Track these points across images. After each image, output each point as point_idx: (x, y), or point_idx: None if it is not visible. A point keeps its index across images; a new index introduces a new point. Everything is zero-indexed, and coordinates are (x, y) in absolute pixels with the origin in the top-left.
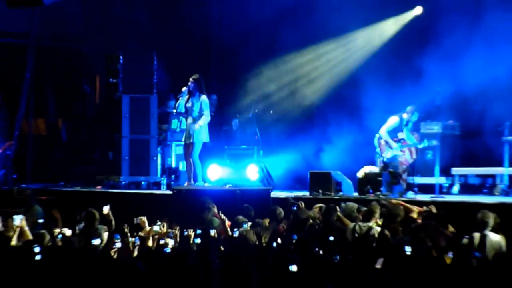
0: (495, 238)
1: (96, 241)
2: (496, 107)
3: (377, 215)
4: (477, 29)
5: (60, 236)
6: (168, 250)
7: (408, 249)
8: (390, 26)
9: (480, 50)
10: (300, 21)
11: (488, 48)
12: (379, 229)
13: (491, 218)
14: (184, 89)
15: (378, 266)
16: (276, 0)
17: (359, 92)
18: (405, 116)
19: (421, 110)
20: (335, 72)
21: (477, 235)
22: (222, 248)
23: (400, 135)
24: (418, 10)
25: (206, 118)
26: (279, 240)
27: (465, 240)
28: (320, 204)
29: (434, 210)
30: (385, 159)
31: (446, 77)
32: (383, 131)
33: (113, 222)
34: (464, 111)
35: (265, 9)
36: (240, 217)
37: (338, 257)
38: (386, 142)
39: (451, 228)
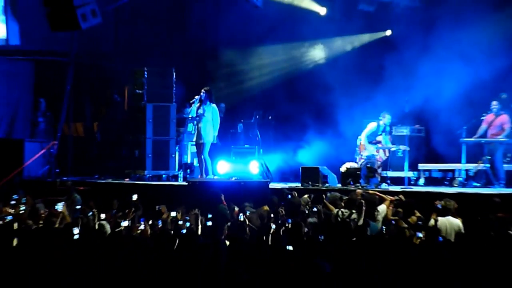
0: (455, 221)
1: (125, 223)
2: (455, 114)
3: (357, 202)
4: (436, 48)
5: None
6: (184, 231)
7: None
8: (365, 39)
9: (440, 66)
10: (287, 35)
11: (446, 64)
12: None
13: (452, 205)
14: (196, 97)
15: None
16: (269, 16)
17: (341, 101)
18: (381, 122)
19: (393, 116)
20: (319, 84)
21: (441, 219)
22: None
23: (379, 138)
24: (388, 32)
25: (217, 127)
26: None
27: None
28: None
29: (403, 198)
30: (363, 157)
31: (413, 89)
32: (363, 136)
33: (141, 208)
34: (428, 117)
35: (261, 27)
36: (247, 204)
37: (322, 237)
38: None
39: (417, 213)
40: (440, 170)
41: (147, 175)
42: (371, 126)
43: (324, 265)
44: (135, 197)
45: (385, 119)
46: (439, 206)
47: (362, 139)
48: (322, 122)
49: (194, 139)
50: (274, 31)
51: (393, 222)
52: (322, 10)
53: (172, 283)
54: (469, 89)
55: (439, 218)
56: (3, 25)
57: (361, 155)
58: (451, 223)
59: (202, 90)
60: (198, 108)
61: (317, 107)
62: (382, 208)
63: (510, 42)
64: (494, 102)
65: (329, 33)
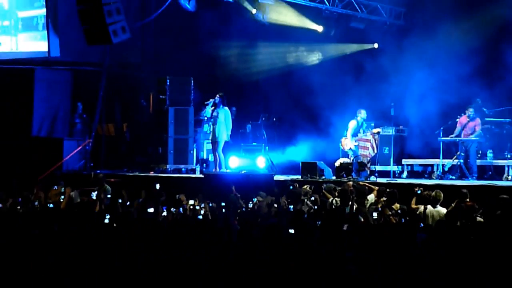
0: (442, 210)
1: (151, 210)
2: (434, 117)
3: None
4: (417, 59)
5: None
6: (200, 217)
7: (375, 215)
8: (354, 48)
9: (420, 74)
10: (288, 46)
11: (425, 73)
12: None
13: (441, 196)
14: (211, 100)
15: (344, 228)
16: (272, 30)
17: (335, 104)
18: (359, 118)
19: (379, 117)
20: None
21: (430, 208)
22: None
23: (360, 135)
24: (375, 45)
25: (229, 127)
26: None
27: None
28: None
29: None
30: (348, 151)
31: (398, 94)
32: (349, 135)
33: (164, 196)
34: (411, 119)
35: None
36: (261, 193)
37: (319, 222)
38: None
39: (397, 205)
40: (420, 165)
41: (169, 169)
42: (352, 124)
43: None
44: (157, 186)
45: (361, 114)
46: (418, 192)
47: (349, 137)
48: (318, 123)
49: (210, 137)
50: (276, 42)
51: (379, 209)
52: (319, 28)
53: (191, 261)
54: (444, 94)
55: (428, 207)
56: (45, 40)
57: (345, 151)
58: (438, 211)
59: (217, 95)
60: (213, 110)
61: (314, 110)
62: (371, 197)
63: (476, 52)
64: (470, 109)
65: (325, 46)
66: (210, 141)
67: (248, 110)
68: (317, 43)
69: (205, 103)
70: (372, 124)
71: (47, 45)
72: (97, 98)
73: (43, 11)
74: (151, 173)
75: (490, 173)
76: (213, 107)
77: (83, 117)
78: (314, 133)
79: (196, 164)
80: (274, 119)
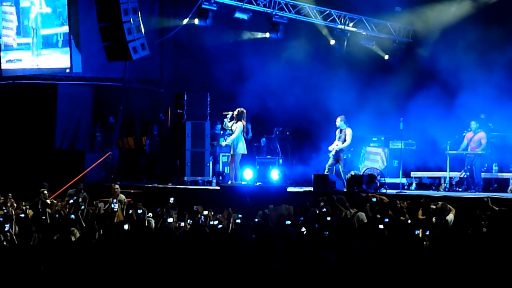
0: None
1: (170, 219)
2: (440, 131)
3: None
4: (424, 73)
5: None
6: (220, 226)
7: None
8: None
9: (427, 88)
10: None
11: (432, 87)
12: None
13: (448, 207)
14: (231, 112)
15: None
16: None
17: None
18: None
19: (390, 132)
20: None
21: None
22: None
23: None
24: (386, 57)
25: (242, 143)
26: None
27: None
28: None
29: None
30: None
31: (407, 111)
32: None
33: (177, 209)
34: (419, 133)
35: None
36: (271, 206)
37: (327, 233)
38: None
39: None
40: (428, 177)
41: (186, 181)
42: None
43: (330, 256)
44: (171, 199)
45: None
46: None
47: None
48: (330, 137)
49: (231, 151)
50: (290, 58)
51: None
52: (331, 41)
53: (208, 267)
54: (451, 109)
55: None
56: (67, 56)
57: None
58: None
59: (237, 110)
60: (232, 124)
61: (326, 125)
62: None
63: (485, 66)
64: (473, 122)
65: (336, 61)
66: (227, 154)
67: (263, 124)
68: (329, 57)
69: (225, 113)
70: (375, 139)
71: (66, 61)
72: (117, 112)
73: (63, 29)
74: (169, 185)
75: (495, 185)
76: (231, 121)
77: (104, 130)
78: (325, 147)
79: (213, 176)
80: (288, 133)
